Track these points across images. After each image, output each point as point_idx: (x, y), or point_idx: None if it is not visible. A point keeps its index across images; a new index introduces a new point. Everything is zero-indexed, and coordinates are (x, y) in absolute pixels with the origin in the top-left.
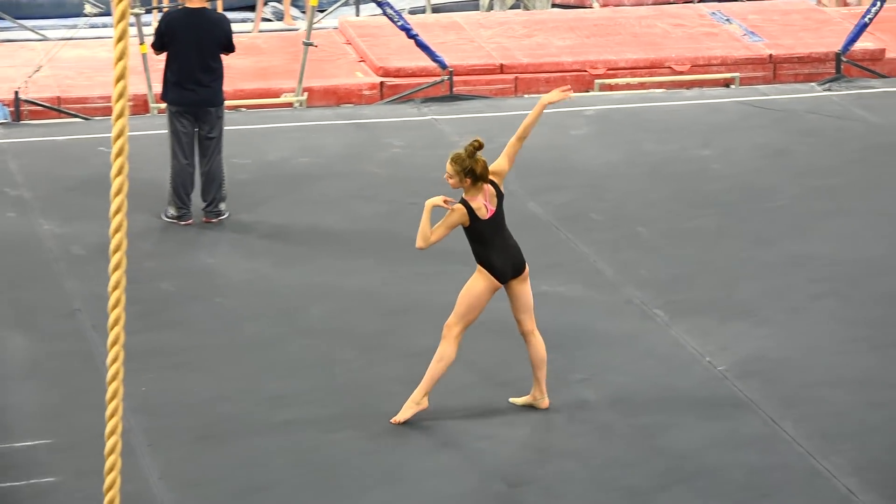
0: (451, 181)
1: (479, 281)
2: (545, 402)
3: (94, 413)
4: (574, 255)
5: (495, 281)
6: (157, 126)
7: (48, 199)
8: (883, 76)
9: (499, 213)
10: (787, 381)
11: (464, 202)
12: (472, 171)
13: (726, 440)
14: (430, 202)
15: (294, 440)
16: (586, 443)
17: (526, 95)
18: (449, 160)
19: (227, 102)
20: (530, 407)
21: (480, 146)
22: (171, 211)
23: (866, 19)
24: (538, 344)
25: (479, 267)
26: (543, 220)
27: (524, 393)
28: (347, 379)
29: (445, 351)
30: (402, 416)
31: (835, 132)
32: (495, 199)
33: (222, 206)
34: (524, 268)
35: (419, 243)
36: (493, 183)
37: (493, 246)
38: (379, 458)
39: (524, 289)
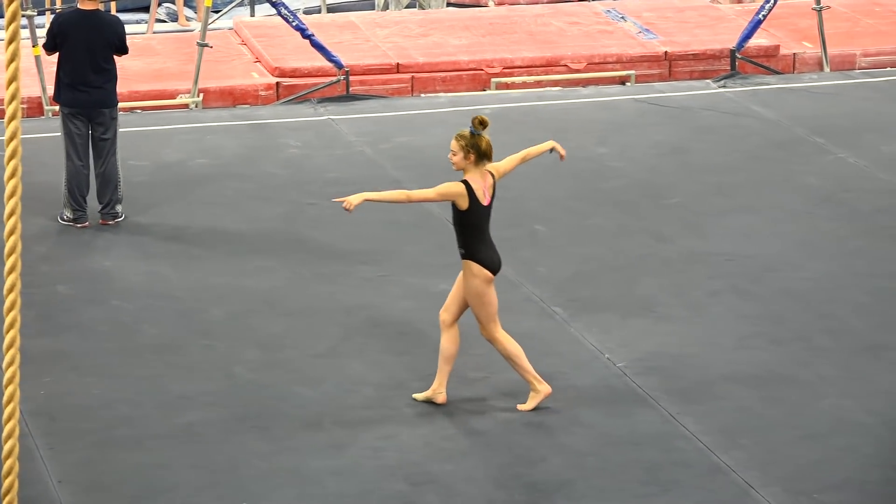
0: (454, 159)
1: (474, 282)
2: (443, 398)
3: None
4: None
5: (488, 272)
6: (52, 129)
7: None
8: (777, 72)
9: (491, 206)
10: (686, 378)
11: (465, 182)
12: (476, 147)
13: (626, 437)
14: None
15: (195, 442)
16: (486, 441)
17: (423, 94)
18: (454, 137)
19: (122, 104)
20: (430, 403)
21: (485, 123)
22: (67, 213)
23: (760, 16)
24: (455, 338)
25: (466, 264)
26: (440, 218)
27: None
28: (248, 380)
29: (508, 350)
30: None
31: (731, 129)
32: (492, 191)
33: (118, 207)
34: (500, 266)
35: (400, 198)
36: (492, 174)
37: (484, 238)
38: (281, 459)
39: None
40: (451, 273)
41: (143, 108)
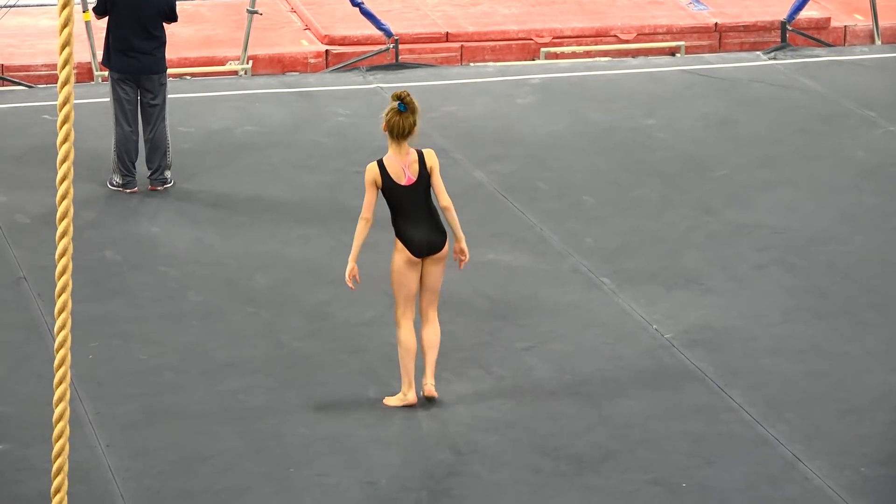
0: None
1: (395, 257)
2: (428, 390)
3: (41, 382)
4: (520, 224)
5: (410, 254)
6: (101, 95)
7: None
8: (828, 45)
9: (420, 186)
10: (732, 350)
11: (379, 162)
12: (388, 122)
13: (672, 409)
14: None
15: (240, 409)
16: (532, 411)
17: (472, 64)
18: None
19: (171, 70)
20: (473, 378)
21: (400, 98)
22: (116, 179)
23: None
24: (433, 329)
25: (395, 241)
26: (489, 189)
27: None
28: (293, 348)
29: (398, 337)
30: (388, 401)
31: (779, 101)
32: (416, 168)
33: (167, 174)
34: (441, 248)
35: (364, 227)
36: (421, 155)
37: (409, 217)
38: (325, 428)
39: (435, 270)
40: (496, 243)
41: (192, 75)
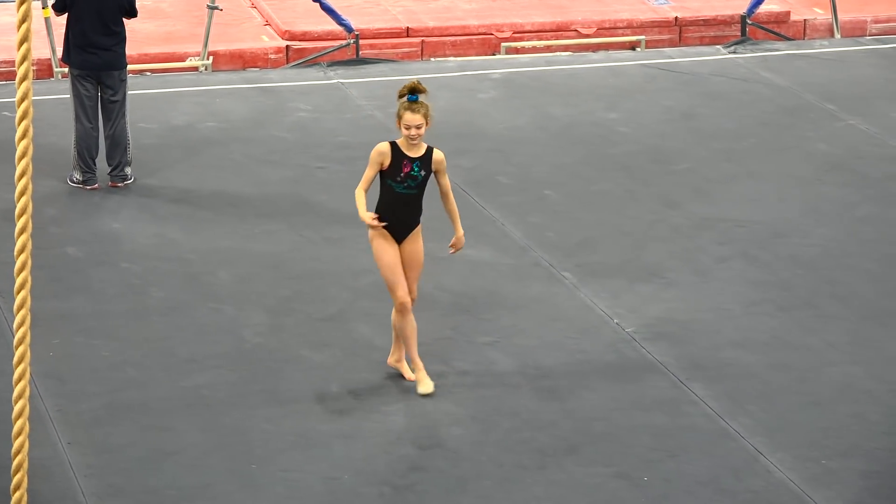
0: (420, 131)
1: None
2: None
3: (0, 379)
4: (482, 218)
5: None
6: (61, 91)
7: None
8: (788, 38)
9: (414, 181)
10: (695, 344)
11: (392, 143)
12: (429, 111)
13: (635, 402)
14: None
15: (203, 405)
16: (495, 405)
17: (432, 59)
18: (410, 110)
19: (131, 66)
20: (436, 373)
21: (412, 89)
22: (77, 175)
23: None
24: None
25: (421, 227)
26: (451, 183)
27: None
28: (256, 343)
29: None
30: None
31: (740, 95)
32: (420, 164)
33: (128, 170)
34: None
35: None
36: (430, 153)
37: (391, 206)
38: (288, 422)
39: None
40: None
41: (153, 71)
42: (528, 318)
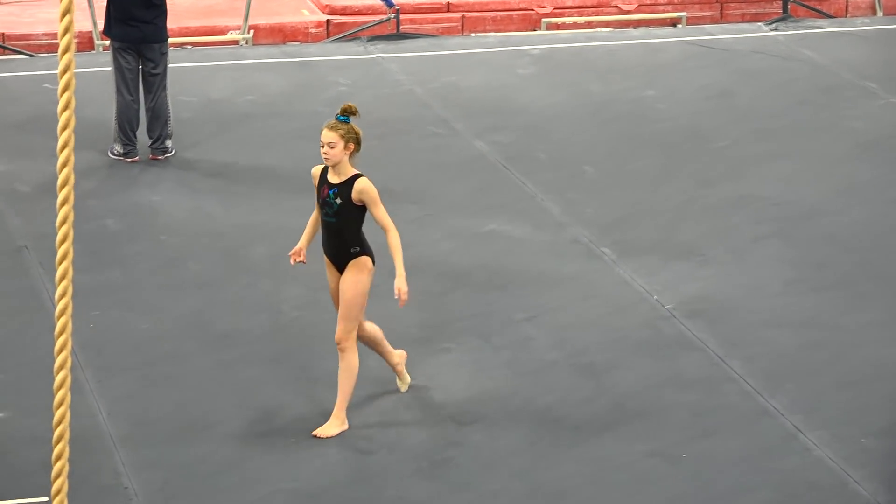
0: (332, 153)
1: (367, 276)
2: (403, 354)
3: (42, 350)
4: (520, 194)
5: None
6: (102, 64)
7: None
8: (829, 16)
9: (332, 209)
10: (731, 322)
11: (323, 168)
12: (357, 136)
13: (671, 379)
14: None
15: (239, 379)
16: (531, 382)
17: (473, 34)
18: (327, 127)
19: (172, 40)
20: (472, 349)
21: (355, 112)
22: (117, 148)
23: None
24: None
25: (364, 259)
26: (489, 159)
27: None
28: (292, 318)
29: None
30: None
31: (779, 73)
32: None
33: (168, 143)
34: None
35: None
36: (353, 181)
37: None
38: (323, 397)
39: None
40: (496, 214)
41: (193, 44)
42: (565, 295)
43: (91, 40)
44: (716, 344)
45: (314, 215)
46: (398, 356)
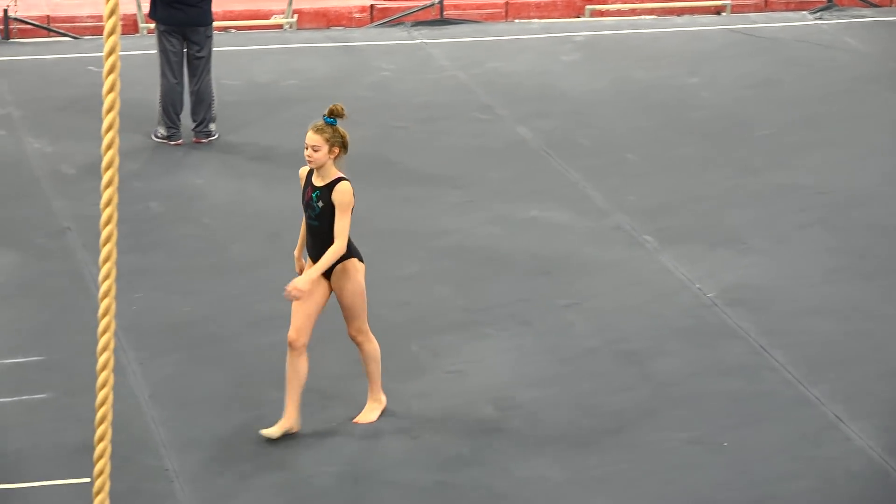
0: (315, 156)
1: (358, 279)
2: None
3: (85, 332)
4: (563, 180)
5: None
6: (146, 47)
7: (36, 117)
8: (874, 5)
9: (313, 211)
10: (774, 310)
11: (347, 180)
12: (343, 140)
13: (713, 367)
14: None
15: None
16: (573, 368)
17: (516, 20)
18: (313, 130)
19: (216, 23)
20: (514, 335)
21: (343, 113)
22: (161, 131)
23: None
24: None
25: (351, 263)
26: (532, 145)
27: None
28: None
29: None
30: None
31: (823, 61)
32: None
33: (212, 126)
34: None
35: (338, 250)
36: (334, 184)
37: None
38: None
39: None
40: (539, 200)
41: (237, 28)
42: (606, 282)
43: (135, 23)
44: (757, 332)
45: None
46: (378, 399)
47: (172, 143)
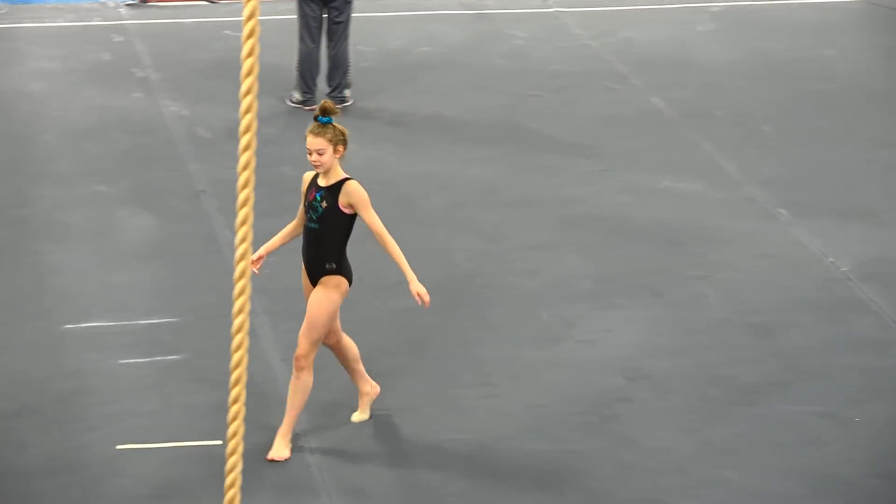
0: (321, 159)
1: (338, 294)
2: (376, 389)
3: (218, 294)
4: (696, 151)
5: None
6: (282, 12)
7: (174, 80)
8: None
9: (316, 214)
10: None
11: (353, 179)
12: (345, 137)
13: (845, 342)
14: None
15: (410, 327)
16: (703, 339)
17: None
18: (312, 133)
19: None
20: (646, 305)
21: (335, 111)
22: (296, 95)
23: None
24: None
25: (339, 279)
26: (666, 115)
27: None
28: (465, 268)
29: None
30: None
31: None
32: (326, 196)
33: (347, 92)
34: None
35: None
36: (341, 185)
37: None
38: (496, 349)
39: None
40: (672, 170)
41: None
42: (739, 254)
43: None
44: (890, 307)
45: (293, 223)
46: (371, 387)
47: (307, 108)
